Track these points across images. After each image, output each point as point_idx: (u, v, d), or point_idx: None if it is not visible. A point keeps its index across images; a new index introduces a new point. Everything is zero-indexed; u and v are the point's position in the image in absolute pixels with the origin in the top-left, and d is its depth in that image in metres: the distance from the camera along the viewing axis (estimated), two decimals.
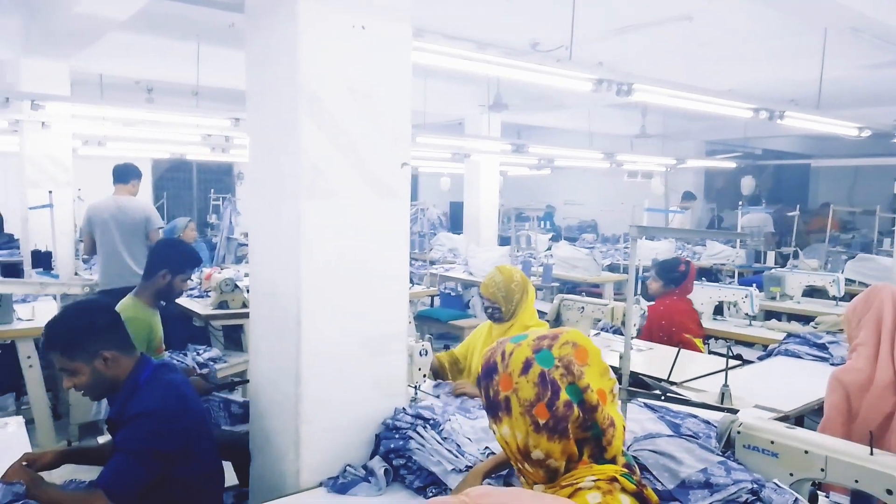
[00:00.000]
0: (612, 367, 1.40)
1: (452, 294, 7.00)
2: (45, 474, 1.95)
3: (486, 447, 2.01)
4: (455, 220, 12.26)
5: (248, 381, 3.77)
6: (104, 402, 3.89)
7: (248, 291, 5.02)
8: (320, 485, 1.96)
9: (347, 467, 1.99)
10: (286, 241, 1.97)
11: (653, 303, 4.15)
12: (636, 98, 3.75)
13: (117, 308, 3.00)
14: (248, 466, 2.49)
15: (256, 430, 2.24)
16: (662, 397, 2.02)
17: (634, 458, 1.74)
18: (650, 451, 1.84)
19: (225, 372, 4.20)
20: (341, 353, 2.01)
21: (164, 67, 6.87)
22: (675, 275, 4.08)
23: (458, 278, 6.52)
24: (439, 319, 5.61)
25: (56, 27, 5.09)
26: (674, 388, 2.82)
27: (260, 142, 2.14)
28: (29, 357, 3.93)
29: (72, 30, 4.98)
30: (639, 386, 2.15)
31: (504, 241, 9.01)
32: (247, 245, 8.13)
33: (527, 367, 1.28)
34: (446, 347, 3.01)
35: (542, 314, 3.31)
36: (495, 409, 1.32)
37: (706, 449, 1.82)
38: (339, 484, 1.93)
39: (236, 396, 3.19)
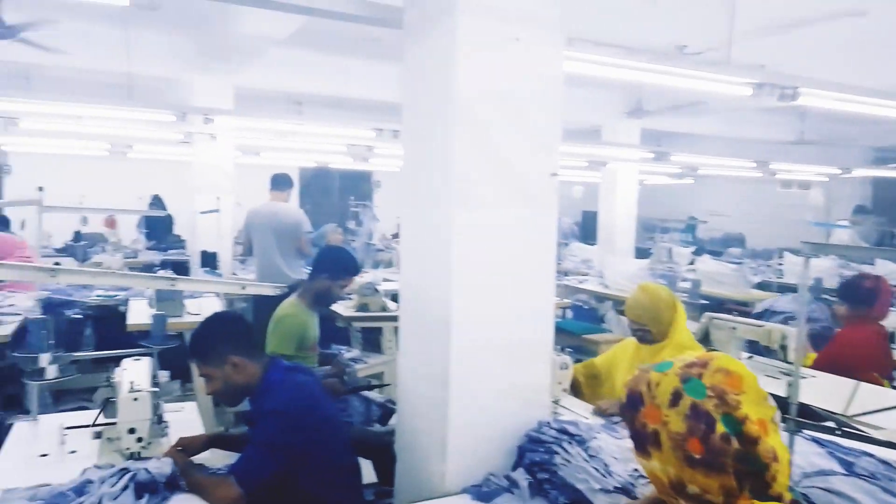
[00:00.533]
0: (771, 395, 1.28)
1: (585, 307, 6.83)
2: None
3: (635, 468, 1.93)
4: (587, 230, 11.97)
5: (387, 384, 3.90)
6: None
7: (387, 295, 5.25)
8: (463, 491, 1.97)
9: (490, 476, 1.99)
10: (437, 249, 2.01)
11: (839, 329, 3.73)
12: (800, 102, 3.46)
13: (281, 307, 3.24)
14: (388, 465, 2.58)
15: (403, 430, 2.31)
16: (838, 431, 1.83)
17: (804, 495, 1.59)
18: (822, 489, 1.67)
19: (364, 372, 4.37)
20: (487, 360, 2.02)
21: (313, 81, 7.33)
22: (861, 293, 3.58)
23: (593, 291, 6.35)
24: (572, 332, 5.48)
25: (225, 46, 5.61)
26: (848, 421, 2.55)
27: (413, 152, 2.21)
28: None
29: (238, 48, 5.47)
30: (807, 417, 1.96)
31: (641, 253, 8.66)
32: (383, 250, 8.47)
33: (676, 398, 1.20)
34: (578, 361, 2.91)
35: None
36: (642, 442, 1.25)
37: (889, 493, 1.63)
38: (483, 492, 1.94)
39: (374, 396, 3.31)
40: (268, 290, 1.26)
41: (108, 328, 4.96)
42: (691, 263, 7.29)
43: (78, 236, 7.33)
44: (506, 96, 1.96)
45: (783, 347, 3.25)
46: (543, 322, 2.12)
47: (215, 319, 2.28)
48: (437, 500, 1.97)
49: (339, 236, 6.76)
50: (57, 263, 2.97)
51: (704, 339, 3.75)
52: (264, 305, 3.44)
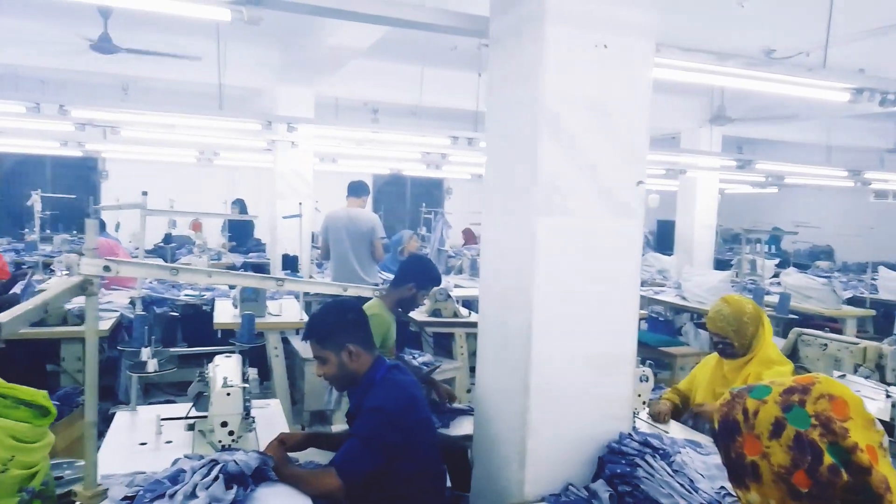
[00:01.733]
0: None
1: (661, 319, 6.64)
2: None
3: (722, 486, 1.86)
4: (662, 240, 11.65)
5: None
6: (333, 393, 4.32)
7: (458, 302, 5.28)
8: (542, 500, 1.96)
9: (570, 486, 1.97)
10: (520, 256, 2.02)
11: None
12: None
13: (365, 307, 3.33)
14: (461, 470, 2.59)
15: (481, 435, 2.32)
16: None
17: None
18: None
19: (436, 377, 4.41)
20: (569, 369, 2.01)
21: (389, 89, 7.49)
22: None
23: (670, 302, 6.17)
24: (647, 344, 5.35)
25: (308, 57, 5.82)
26: None
27: (497, 159, 2.23)
28: (276, 347, 4.50)
29: (321, 59, 5.66)
30: None
31: (720, 264, 8.36)
32: (454, 257, 8.52)
33: (778, 428, 1.14)
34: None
35: None
36: (739, 473, 1.19)
37: None
38: (562, 502, 1.92)
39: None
40: (367, 291, 1.31)
41: (195, 326, 5.23)
42: (775, 276, 6.96)
43: (168, 238, 7.74)
44: (593, 103, 1.95)
45: (879, 367, 3.07)
46: (627, 333, 2.09)
47: (338, 305, 2.34)
48: None
49: (415, 243, 6.86)
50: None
51: (792, 355, 3.58)
52: None
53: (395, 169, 10.41)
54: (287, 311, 4.85)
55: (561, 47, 1.91)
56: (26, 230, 7.41)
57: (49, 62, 6.23)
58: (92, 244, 0.96)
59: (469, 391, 4.85)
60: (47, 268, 6.15)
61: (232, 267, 7.41)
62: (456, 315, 5.04)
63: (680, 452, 1.97)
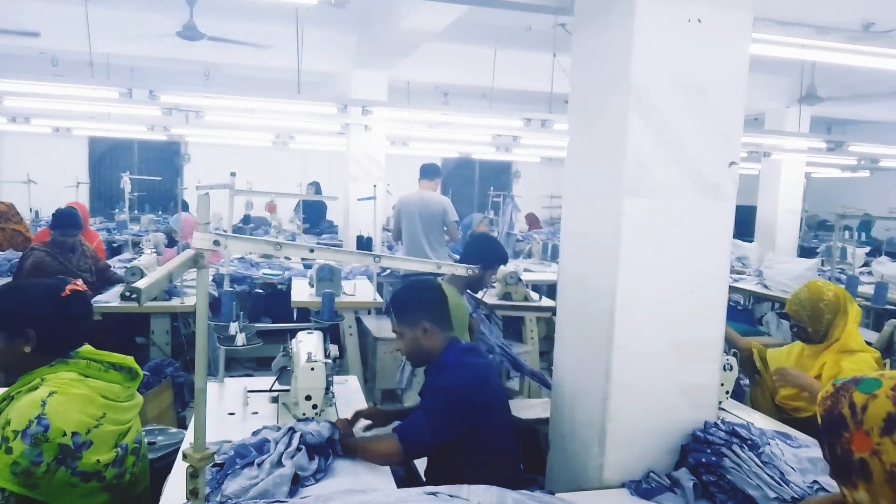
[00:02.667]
0: None
1: (739, 307, 6.38)
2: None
3: (815, 481, 1.79)
4: (742, 226, 11.17)
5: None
6: (405, 372, 4.39)
7: (527, 285, 5.25)
8: (622, 485, 1.93)
9: (651, 473, 1.94)
10: (604, 238, 1.98)
11: None
12: None
13: None
14: (532, 453, 2.59)
15: (558, 418, 2.30)
16: None
17: None
18: None
19: None
20: (652, 354, 1.96)
21: (461, 72, 7.46)
22: None
23: (750, 290, 5.92)
24: None
25: (383, 41, 5.87)
26: None
27: (581, 139, 2.18)
28: (350, 326, 4.60)
29: (396, 42, 5.69)
30: None
31: (804, 252, 7.95)
32: (523, 241, 8.46)
33: (890, 424, 1.08)
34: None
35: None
36: (846, 471, 1.13)
37: None
38: (644, 489, 1.89)
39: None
40: (461, 269, 1.32)
41: (272, 304, 5.42)
42: (865, 265, 6.56)
43: (247, 219, 8.04)
44: (685, 80, 1.88)
45: None
46: (714, 319, 2.02)
47: (419, 283, 2.40)
48: (595, 492, 1.95)
49: (485, 226, 6.86)
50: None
51: (888, 348, 3.39)
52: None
53: (465, 152, 10.41)
54: (360, 291, 4.96)
55: (652, 22, 1.84)
56: (117, 210, 7.85)
57: (138, 50, 6.54)
58: (204, 219, 1.00)
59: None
60: (136, 246, 6.51)
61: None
62: (527, 299, 5.01)
63: (769, 444, 1.90)
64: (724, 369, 2.44)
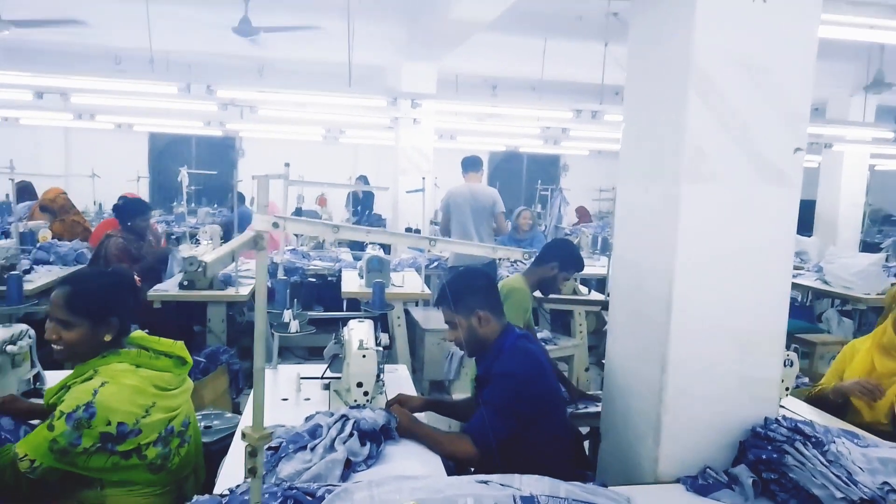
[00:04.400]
0: None
1: (797, 304, 6.15)
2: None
3: (885, 482, 1.70)
4: (799, 219, 10.75)
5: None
6: (453, 363, 4.40)
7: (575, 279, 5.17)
8: (678, 480, 1.89)
9: (707, 469, 1.88)
10: (660, 225, 1.93)
11: None
12: None
13: (506, 281, 3.36)
14: (588, 444, 2.55)
15: (610, 409, 2.27)
16: None
17: None
18: None
19: (554, 354, 4.37)
20: (710, 347, 1.90)
21: (510, 63, 7.40)
22: None
23: (809, 286, 5.70)
24: None
25: (433, 32, 5.86)
26: None
27: (637, 124, 2.13)
28: (398, 317, 4.64)
29: (446, 34, 5.68)
30: None
31: (867, 247, 7.60)
32: (571, 234, 8.34)
33: None
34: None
35: None
36: None
37: None
38: (700, 485, 1.84)
39: None
40: (517, 254, 1.30)
41: (323, 294, 5.51)
42: None
43: (298, 212, 8.17)
44: (748, 62, 1.81)
45: None
46: (777, 311, 1.94)
47: (470, 272, 2.41)
48: (649, 487, 1.91)
49: (527, 216, 6.79)
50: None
51: None
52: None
53: (512, 145, 10.35)
54: (409, 282, 4.99)
55: (714, 1, 1.78)
56: (175, 203, 8.11)
57: (195, 46, 6.73)
58: (264, 202, 1.02)
59: (587, 369, 4.77)
60: (193, 237, 6.70)
61: (356, 240, 7.70)
62: (575, 292, 4.95)
63: (835, 442, 1.82)
64: (785, 365, 2.35)
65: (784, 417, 1.93)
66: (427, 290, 4.81)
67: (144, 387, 1.79)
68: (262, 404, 1.15)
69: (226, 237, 6.88)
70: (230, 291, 4.46)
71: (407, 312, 4.85)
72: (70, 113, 7.95)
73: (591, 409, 2.76)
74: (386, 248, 7.21)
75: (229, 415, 2.70)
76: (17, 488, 1.70)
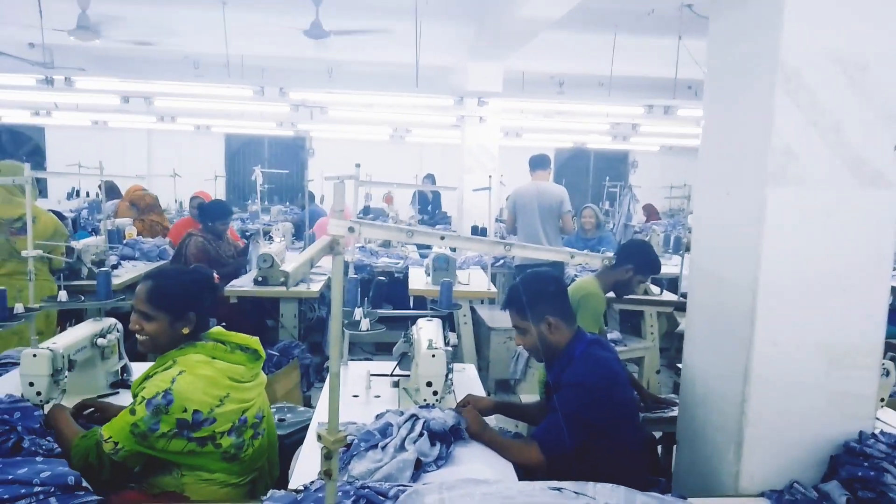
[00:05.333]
0: None
1: (892, 307, 5.76)
2: None
3: None
4: None
5: None
6: (520, 363, 4.36)
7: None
8: (761, 495, 1.80)
9: (795, 484, 1.79)
10: (743, 230, 1.84)
11: None
12: None
13: (580, 283, 3.31)
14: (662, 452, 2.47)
15: (688, 419, 2.19)
16: None
17: None
18: None
19: (623, 356, 4.26)
20: (798, 358, 1.80)
21: (577, 61, 7.27)
22: None
23: None
24: None
25: (499, 31, 5.83)
26: None
27: (719, 123, 2.05)
28: (465, 315, 4.64)
29: (512, 32, 5.64)
30: None
31: None
32: (641, 232, 8.14)
33: None
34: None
35: None
36: None
37: None
38: (787, 500, 1.75)
39: None
40: (596, 260, 1.27)
41: (390, 291, 5.58)
42: None
43: (366, 210, 8.33)
44: (842, 56, 1.70)
45: None
46: (873, 321, 1.82)
47: (539, 276, 2.35)
48: (730, 500, 1.84)
49: (591, 220, 6.67)
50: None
51: None
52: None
53: (579, 142, 10.19)
54: (475, 280, 4.98)
55: None
56: (249, 201, 8.41)
57: (269, 50, 6.94)
58: (340, 206, 1.03)
59: (658, 372, 4.63)
60: (266, 234, 6.93)
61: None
62: (646, 293, 4.81)
63: None
64: (883, 375, 2.21)
65: (882, 433, 1.81)
66: (493, 289, 4.79)
67: (219, 378, 1.86)
68: (338, 407, 1.16)
69: (297, 235, 7.09)
70: (302, 288, 4.58)
71: (473, 310, 4.85)
72: (153, 116, 8.35)
73: (667, 413, 2.68)
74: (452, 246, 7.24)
75: (302, 408, 2.76)
76: (100, 471, 1.80)
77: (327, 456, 1.15)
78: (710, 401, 2.04)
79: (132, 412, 1.78)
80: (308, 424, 2.50)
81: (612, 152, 12.30)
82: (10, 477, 1.55)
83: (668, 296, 4.87)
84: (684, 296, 4.90)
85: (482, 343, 4.87)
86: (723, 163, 1.99)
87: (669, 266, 5.94)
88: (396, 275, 5.55)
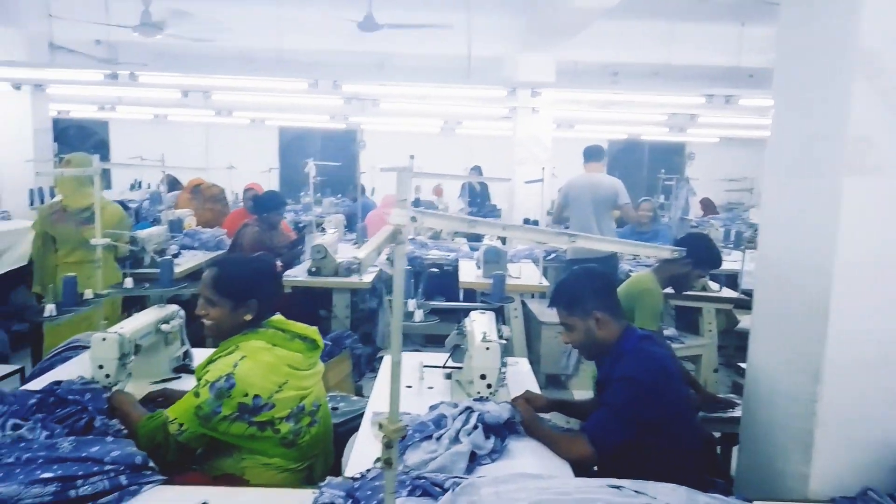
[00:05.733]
0: None
1: None
2: None
3: None
4: None
5: None
6: (571, 358, 4.31)
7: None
8: (832, 501, 1.72)
9: (869, 491, 1.70)
10: (816, 221, 1.76)
11: None
12: None
13: (636, 279, 3.25)
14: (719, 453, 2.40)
15: (752, 419, 2.11)
16: None
17: None
18: None
19: (679, 353, 4.16)
20: (875, 358, 1.71)
21: (632, 50, 7.11)
22: None
23: None
24: None
25: (552, 21, 5.74)
26: None
27: (790, 112, 1.96)
28: (515, 309, 4.61)
29: (565, 22, 5.55)
30: None
31: None
32: (698, 227, 7.90)
33: None
34: None
35: None
36: None
37: None
38: None
39: None
40: (665, 252, 1.23)
41: (444, 283, 5.59)
42: None
43: (417, 202, 8.37)
44: None
45: None
46: None
47: (587, 272, 2.32)
48: None
49: (648, 213, 6.50)
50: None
51: None
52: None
53: (633, 133, 9.97)
54: (525, 274, 4.94)
55: None
56: (302, 193, 8.55)
57: (321, 44, 7.03)
58: (403, 196, 1.02)
59: (716, 370, 4.51)
60: (319, 226, 7.04)
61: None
62: (705, 288, 4.67)
63: None
64: None
65: None
66: (545, 283, 4.74)
67: (279, 365, 1.91)
68: (398, 397, 1.16)
69: (349, 226, 7.18)
70: (354, 279, 4.63)
71: (523, 304, 4.81)
72: (211, 110, 8.58)
73: (727, 414, 2.59)
74: (502, 239, 7.20)
75: (354, 398, 2.80)
76: (166, 451, 1.86)
77: (388, 445, 1.15)
78: (776, 400, 1.96)
79: (196, 395, 1.84)
80: (361, 414, 2.54)
81: (667, 144, 11.98)
82: (84, 455, 1.62)
83: (728, 292, 4.72)
84: (745, 292, 4.75)
85: (533, 337, 4.83)
86: (793, 151, 1.91)
87: (729, 262, 5.75)
88: (446, 267, 5.55)
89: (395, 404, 1.18)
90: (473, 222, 1.07)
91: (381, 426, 1.18)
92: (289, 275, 4.67)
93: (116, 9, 5.82)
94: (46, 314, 2.42)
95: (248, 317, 1.98)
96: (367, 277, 4.72)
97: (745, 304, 4.76)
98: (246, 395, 1.82)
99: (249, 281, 2.02)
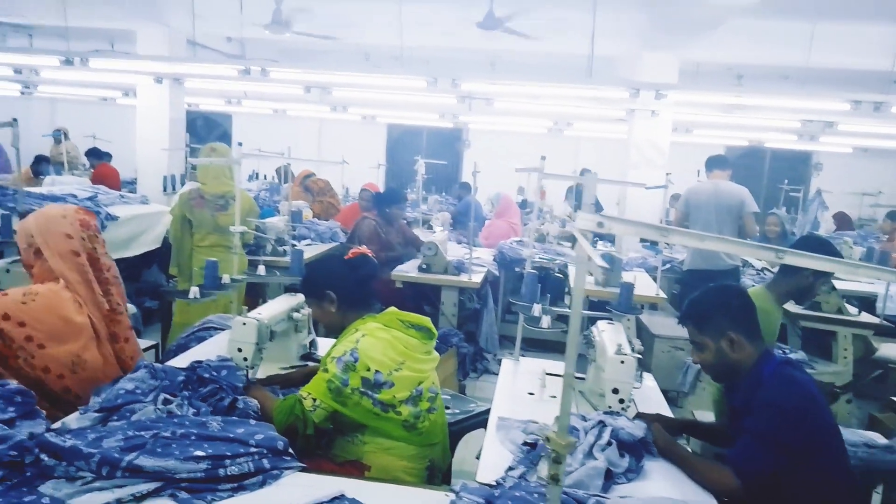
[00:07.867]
0: None
1: None
2: None
3: None
4: None
5: None
6: (689, 375, 4.08)
7: (842, 296, 4.48)
8: None
9: None
10: None
11: None
12: None
13: (753, 298, 3.02)
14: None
15: None
16: None
17: None
18: None
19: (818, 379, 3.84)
20: None
21: (764, 51, 6.67)
22: None
23: None
24: None
25: (680, 19, 5.47)
26: None
27: None
28: (629, 320, 4.42)
29: (694, 20, 5.26)
30: None
31: None
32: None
33: None
34: None
35: None
36: None
37: None
38: None
39: None
40: (888, 275, 1.10)
41: (546, 286, 5.47)
42: None
43: (523, 204, 8.28)
44: None
45: None
46: None
47: (723, 290, 2.18)
48: None
49: (775, 227, 6.08)
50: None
51: None
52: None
53: (755, 140, 9.36)
54: (639, 283, 4.72)
55: None
56: (408, 190, 8.66)
57: (439, 42, 7.06)
58: (590, 201, 0.95)
59: (849, 401, 4.14)
60: (426, 223, 7.10)
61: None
62: (840, 311, 4.29)
63: None
64: None
65: None
66: (662, 294, 4.52)
67: (396, 343, 2.02)
68: (569, 411, 1.10)
69: (453, 224, 7.19)
70: (463, 278, 4.62)
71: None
72: (327, 105, 8.86)
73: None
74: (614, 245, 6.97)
75: (463, 397, 2.79)
76: (305, 428, 1.93)
77: (556, 460, 1.09)
78: None
79: (325, 370, 1.97)
80: (474, 415, 2.50)
81: (790, 152, 11.18)
82: (231, 436, 1.67)
83: (867, 317, 4.32)
84: (888, 318, 4.32)
85: (644, 350, 4.62)
86: None
87: (864, 284, 5.27)
88: (557, 273, 5.43)
89: (565, 418, 1.11)
90: (666, 231, 0.98)
91: (548, 439, 1.12)
92: (400, 270, 4.72)
93: (247, 5, 6.10)
94: (191, 296, 2.55)
95: (333, 308, 2.16)
96: (476, 277, 4.69)
97: (889, 331, 4.33)
98: (368, 369, 1.93)
99: (318, 276, 2.25)
